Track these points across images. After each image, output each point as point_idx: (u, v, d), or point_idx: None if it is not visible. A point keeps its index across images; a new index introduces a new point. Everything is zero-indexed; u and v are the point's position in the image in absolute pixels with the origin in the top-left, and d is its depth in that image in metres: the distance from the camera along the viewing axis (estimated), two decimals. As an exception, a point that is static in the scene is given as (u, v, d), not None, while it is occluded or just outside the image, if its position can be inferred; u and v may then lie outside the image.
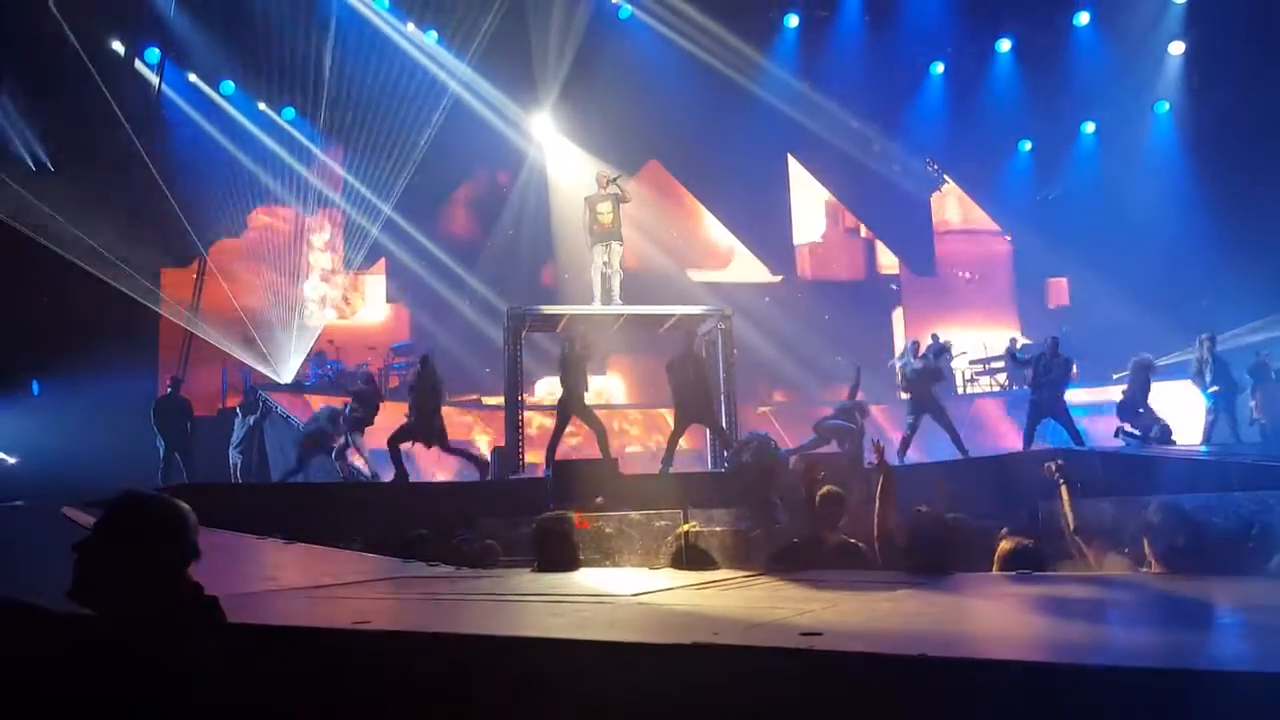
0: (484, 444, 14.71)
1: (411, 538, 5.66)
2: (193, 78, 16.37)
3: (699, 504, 6.23)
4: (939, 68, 20.17)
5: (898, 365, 11.73)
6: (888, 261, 22.58)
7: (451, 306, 18.30)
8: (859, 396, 11.55)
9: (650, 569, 4.74)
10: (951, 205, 22.77)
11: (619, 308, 11.08)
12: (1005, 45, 19.39)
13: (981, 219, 22.71)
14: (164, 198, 14.49)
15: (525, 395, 11.69)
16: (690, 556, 4.36)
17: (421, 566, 4.63)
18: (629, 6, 18.68)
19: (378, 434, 11.11)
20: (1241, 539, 3.83)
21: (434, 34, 17.37)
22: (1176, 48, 18.17)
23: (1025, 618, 2.77)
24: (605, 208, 11.01)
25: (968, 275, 22.45)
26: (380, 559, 5.15)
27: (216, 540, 3.89)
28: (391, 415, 10.95)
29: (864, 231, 22.59)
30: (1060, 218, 19.65)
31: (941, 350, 11.37)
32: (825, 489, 4.56)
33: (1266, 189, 15.41)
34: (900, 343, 19.02)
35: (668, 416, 12.48)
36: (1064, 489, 4.48)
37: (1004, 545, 3.88)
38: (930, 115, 20.25)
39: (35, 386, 13.44)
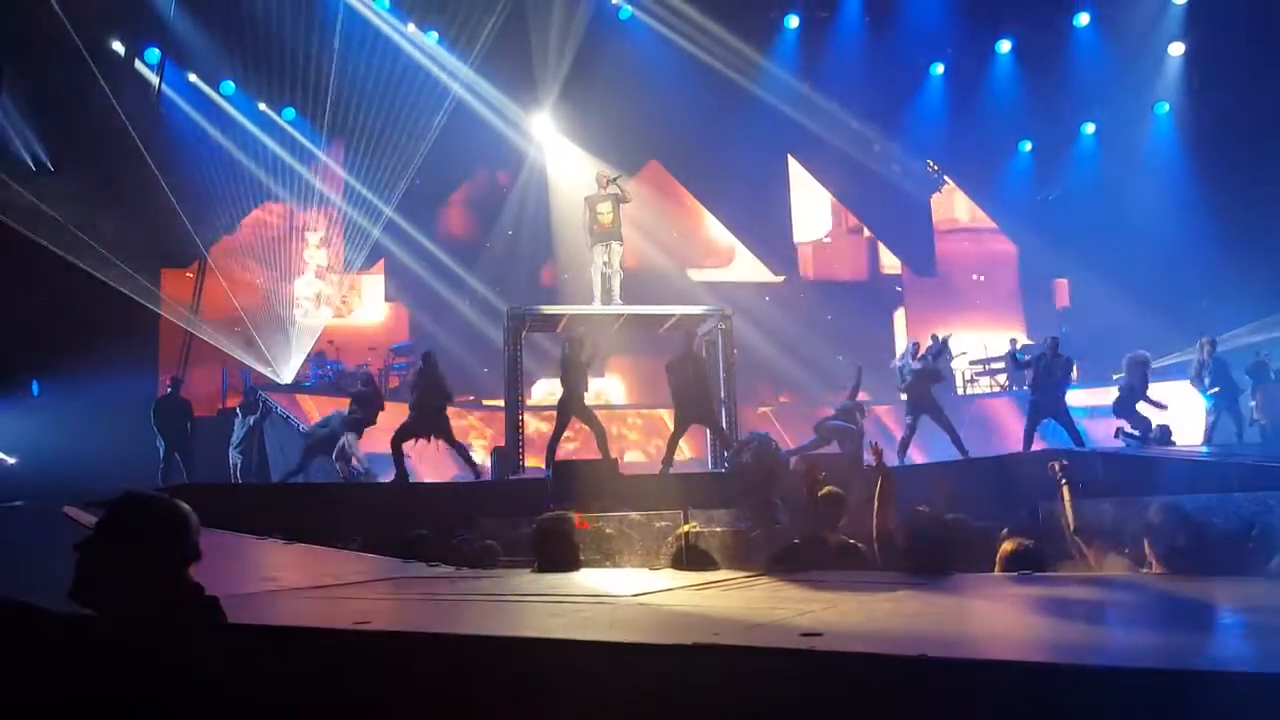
0: (481, 447, 14.65)
1: (411, 538, 5.65)
2: (193, 78, 16.35)
3: (699, 504, 6.24)
4: (939, 68, 20.13)
5: (897, 366, 11.74)
6: (890, 262, 22.55)
7: (451, 306, 18.31)
8: (860, 397, 11.55)
9: (650, 569, 4.75)
10: (960, 203, 22.72)
11: (619, 308, 11.06)
12: (1005, 46, 19.34)
13: (989, 218, 22.71)
14: (164, 198, 14.47)
15: (523, 397, 11.68)
16: (690, 557, 4.36)
17: (421, 567, 4.62)
18: (629, 7, 18.66)
19: (379, 434, 11.11)
20: (1242, 540, 3.84)
21: (434, 34, 17.36)
22: (1176, 48, 18.16)
23: (1025, 618, 2.77)
24: (605, 208, 11.00)
25: (980, 278, 22.40)
26: (380, 559, 5.15)
27: (216, 540, 3.88)
28: (392, 416, 10.94)
29: (867, 232, 22.56)
30: (1060, 218, 19.64)
31: (940, 350, 11.35)
32: (826, 489, 4.55)
33: (1266, 189, 15.40)
34: (902, 343, 19.00)
35: (667, 418, 12.47)
36: (1065, 489, 4.48)
37: (1006, 546, 3.89)
38: (930, 116, 20.22)
39: (35, 386, 13.43)
